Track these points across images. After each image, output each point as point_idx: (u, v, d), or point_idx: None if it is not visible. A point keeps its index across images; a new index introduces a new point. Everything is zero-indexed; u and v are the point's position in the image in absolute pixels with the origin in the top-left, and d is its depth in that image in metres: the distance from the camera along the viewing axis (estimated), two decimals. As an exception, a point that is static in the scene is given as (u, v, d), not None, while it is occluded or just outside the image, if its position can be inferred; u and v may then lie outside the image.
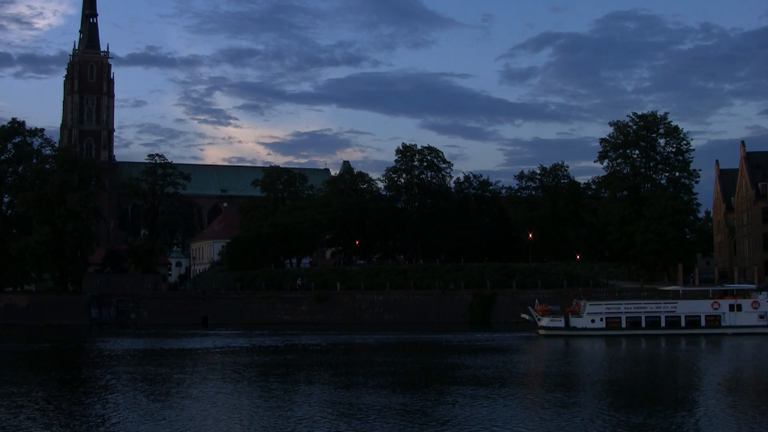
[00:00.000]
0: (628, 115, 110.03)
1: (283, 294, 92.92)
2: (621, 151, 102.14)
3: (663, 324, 69.00)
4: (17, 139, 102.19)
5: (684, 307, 69.69)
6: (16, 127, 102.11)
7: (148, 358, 57.66)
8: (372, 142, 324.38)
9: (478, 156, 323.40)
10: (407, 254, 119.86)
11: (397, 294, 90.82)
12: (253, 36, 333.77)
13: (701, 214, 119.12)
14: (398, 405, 34.82)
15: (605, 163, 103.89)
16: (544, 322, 70.18)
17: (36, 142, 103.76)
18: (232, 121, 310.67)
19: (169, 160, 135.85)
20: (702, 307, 69.58)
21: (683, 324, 68.84)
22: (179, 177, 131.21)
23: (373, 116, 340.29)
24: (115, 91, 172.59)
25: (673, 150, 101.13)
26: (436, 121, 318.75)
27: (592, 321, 69.42)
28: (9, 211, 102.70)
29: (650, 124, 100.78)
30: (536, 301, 76.12)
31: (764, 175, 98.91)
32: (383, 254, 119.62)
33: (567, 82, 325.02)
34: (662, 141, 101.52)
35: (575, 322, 69.54)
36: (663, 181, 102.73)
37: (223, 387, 41.29)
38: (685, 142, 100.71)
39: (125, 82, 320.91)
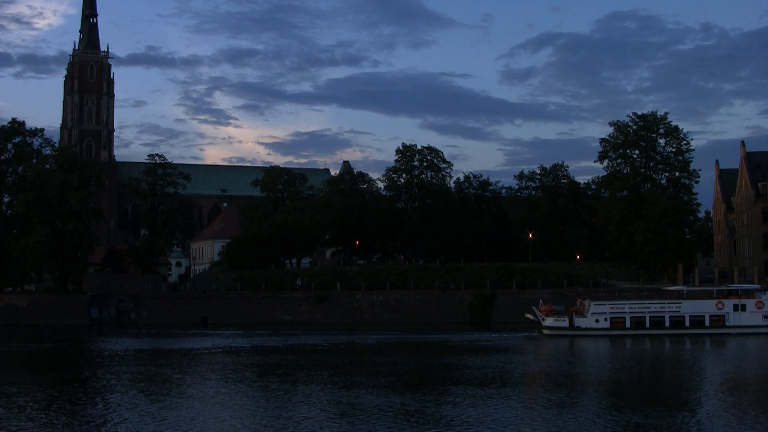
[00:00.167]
0: (628, 115, 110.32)
1: (283, 294, 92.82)
2: (621, 151, 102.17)
3: (667, 324, 68.95)
4: (17, 139, 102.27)
5: (688, 307, 69.64)
6: (16, 127, 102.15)
7: (148, 358, 57.58)
8: (372, 142, 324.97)
9: (478, 156, 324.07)
10: (407, 254, 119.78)
11: (397, 294, 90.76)
12: (253, 36, 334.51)
13: (701, 214, 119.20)
14: (400, 405, 34.77)
15: (605, 163, 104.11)
16: (549, 322, 70.13)
17: (36, 142, 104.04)
18: (232, 121, 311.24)
19: (169, 160, 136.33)
20: (706, 307, 69.54)
21: (687, 324, 68.80)
22: (179, 177, 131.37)
23: (373, 116, 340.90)
24: (115, 91, 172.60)
25: (673, 150, 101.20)
26: (436, 121, 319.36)
27: (597, 321, 69.40)
28: (9, 211, 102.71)
29: (650, 124, 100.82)
30: (540, 301, 75.98)
31: (764, 175, 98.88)
32: (383, 254, 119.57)
33: (567, 82, 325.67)
34: (662, 141, 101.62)
35: (579, 322, 69.50)
36: (663, 181, 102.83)
37: (223, 387, 41.16)
38: (685, 142, 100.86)
39: (125, 82, 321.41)
